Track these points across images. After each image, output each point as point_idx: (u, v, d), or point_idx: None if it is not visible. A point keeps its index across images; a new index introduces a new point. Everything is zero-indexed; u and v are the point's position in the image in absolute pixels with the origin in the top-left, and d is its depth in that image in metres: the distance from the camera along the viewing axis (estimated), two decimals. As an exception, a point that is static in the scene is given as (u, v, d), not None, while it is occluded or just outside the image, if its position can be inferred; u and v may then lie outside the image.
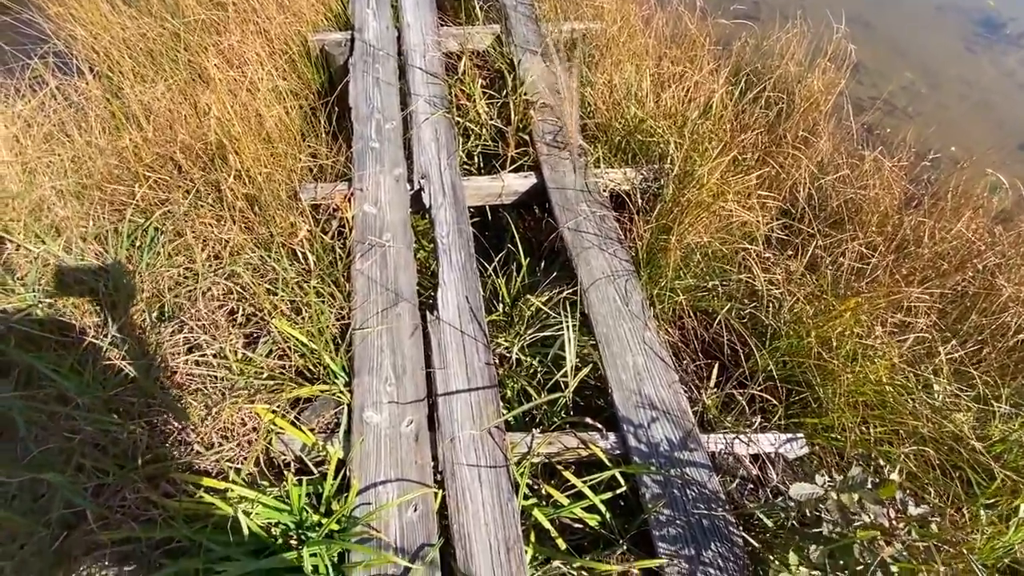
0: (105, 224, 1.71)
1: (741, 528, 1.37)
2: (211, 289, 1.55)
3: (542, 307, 1.81)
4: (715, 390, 1.68)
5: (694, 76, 2.47)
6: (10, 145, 2.24)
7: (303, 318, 1.64)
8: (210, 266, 1.70)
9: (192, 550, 1.18)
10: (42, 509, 1.24)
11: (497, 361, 1.73)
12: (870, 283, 1.84)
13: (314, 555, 1.19)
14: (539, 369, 1.74)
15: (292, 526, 1.26)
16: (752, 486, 1.48)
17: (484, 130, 2.38)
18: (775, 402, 1.63)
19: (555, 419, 1.62)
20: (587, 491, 1.38)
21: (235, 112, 2.13)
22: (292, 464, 1.47)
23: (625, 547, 1.38)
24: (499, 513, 1.36)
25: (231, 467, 1.28)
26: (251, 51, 2.48)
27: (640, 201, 2.04)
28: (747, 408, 1.63)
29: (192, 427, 1.31)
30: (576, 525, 1.48)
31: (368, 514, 1.30)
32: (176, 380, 1.37)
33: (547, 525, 1.40)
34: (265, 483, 1.36)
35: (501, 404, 1.56)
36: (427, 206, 2.03)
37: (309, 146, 2.30)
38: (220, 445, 1.32)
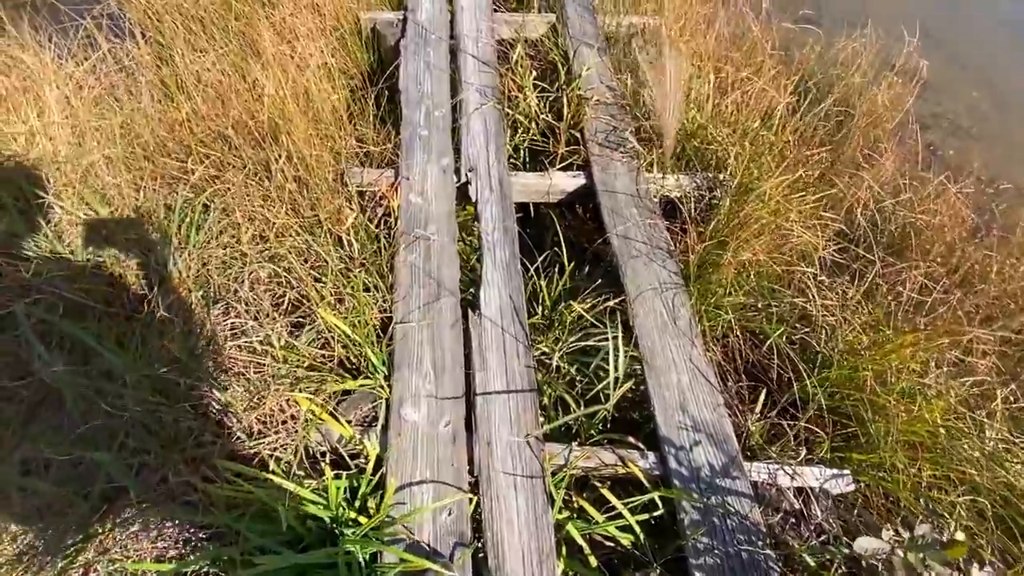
0: (156, 198, 1.70)
1: (781, 564, 1.33)
2: (257, 272, 1.54)
3: (584, 314, 1.77)
4: (760, 416, 1.63)
5: (757, 83, 2.37)
6: (61, 106, 2.25)
7: (346, 307, 1.62)
8: (256, 246, 1.68)
9: (230, 536, 1.18)
10: (83, 481, 1.25)
11: (536, 364, 1.70)
12: (930, 317, 1.76)
13: (348, 552, 1.18)
14: (578, 378, 1.71)
15: (328, 521, 1.25)
16: (794, 520, 1.44)
17: (534, 124, 2.32)
18: (822, 434, 1.57)
19: (592, 431, 1.59)
20: (626, 512, 1.35)
21: (288, 90, 2.10)
22: (327, 454, 1.46)
23: (659, 570, 1.35)
24: (534, 524, 1.34)
25: (271, 456, 1.28)
26: (303, 26, 2.44)
27: (693, 211, 1.97)
28: (792, 438, 1.57)
29: (235, 413, 1.30)
30: (607, 543, 1.46)
31: (404, 515, 1.29)
32: (221, 363, 1.36)
33: (580, 541, 1.37)
34: (301, 472, 1.35)
35: (539, 411, 1.53)
36: (473, 200, 1.98)
37: (356, 128, 2.27)
38: (261, 433, 1.32)
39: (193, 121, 1.91)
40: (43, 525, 1.15)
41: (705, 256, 1.83)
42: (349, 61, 2.62)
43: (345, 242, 1.72)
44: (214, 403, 1.29)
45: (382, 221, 1.91)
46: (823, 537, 1.39)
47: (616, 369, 1.56)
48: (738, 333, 1.82)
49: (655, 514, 1.40)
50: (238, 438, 1.29)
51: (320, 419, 1.41)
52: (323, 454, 1.45)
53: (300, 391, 1.43)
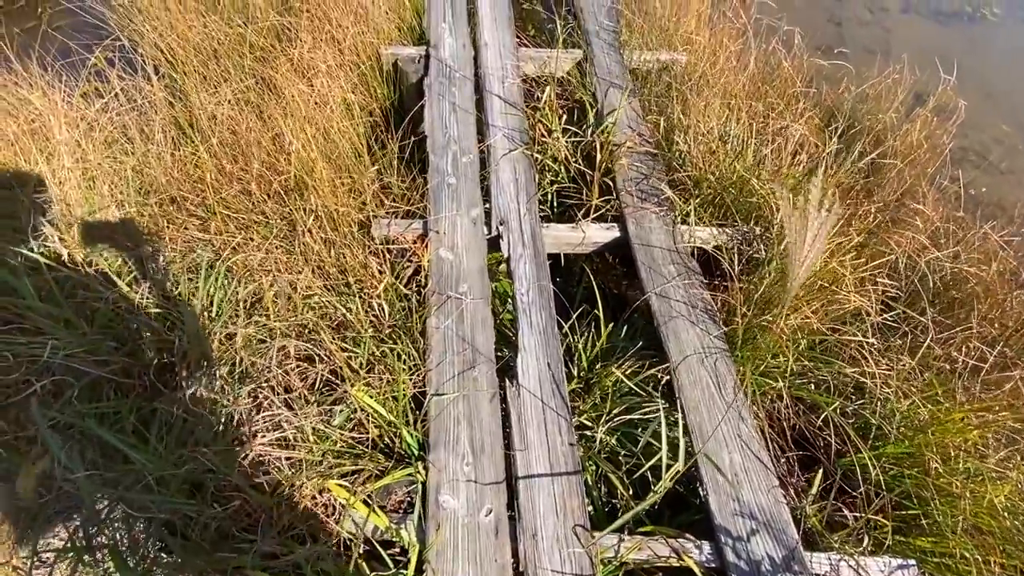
0: (174, 258, 1.61)
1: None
2: (285, 347, 1.45)
3: (625, 380, 1.68)
4: (815, 495, 1.55)
5: (793, 123, 2.30)
6: (72, 149, 2.16)
7: (378, 379, 1.53)
8: (282, 311, 1.59)
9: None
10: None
11: (577, 439, 1.61)
12: (988, 387, 1.68)
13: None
14: (622, 453, 1.62)
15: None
16: (860, 620, 1.35)
17: (563, 168, 2.24)
18: (883, 519, 1.49)
19: (641, 515, 1.50)
20: (685, 617, 1.27)
21: (308, 135, 2.02)
22: (360, 545, 1.37)
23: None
24: (585, 628, 1.25)
25: (307, 562, 1.19)
26: (321, 61, 2.36)
27: (735, 266, 1.89)
28: (851, 519, 1.49)
29: (267, 511, 1.21)
30: (661, 641, 1.37)
31: (449, 625, 1.20)
32: (251, 455, 1.27)
33: (634, 644, 1.29)
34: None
35: (585, 496, 1.44)
36: (506, 257, 1.90)
37: (379, 171, 2.18)
38: (294, 527, 1.23)
39: (214, 176, 1.82)
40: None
41: (751, 320, 1.75)
42: (369, 97, 2.54)
43: (375, 305, 1.63)
44: (246, 501, 1.20)
45: (412, 279, 1.82)
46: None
47: (666, 453, 1.47)
48: (787, 399, 1.73)
49: (713, 613, 1.31)
50: (272, 536, 1.20)
51: (355, 509, 1.32)
52: (354, 541, 1.35)
53: (333, 478, 1.34)
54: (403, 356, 1.60)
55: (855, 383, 1.68)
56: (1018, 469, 1.52)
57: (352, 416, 1.43)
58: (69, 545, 1.12)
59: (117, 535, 1.19)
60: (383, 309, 1.66)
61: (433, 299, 1.75)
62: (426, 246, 1.86)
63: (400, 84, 2.59)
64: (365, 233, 1.93)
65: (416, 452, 1.51)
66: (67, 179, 2.08)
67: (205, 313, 1.48)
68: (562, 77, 2.63)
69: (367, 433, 1.43)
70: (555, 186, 2.25)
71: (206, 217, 1.71)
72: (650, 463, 1.51)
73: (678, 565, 1.39)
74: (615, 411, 1.65)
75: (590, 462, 1.60)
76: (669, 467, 1.48)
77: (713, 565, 1.38)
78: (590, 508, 1.53)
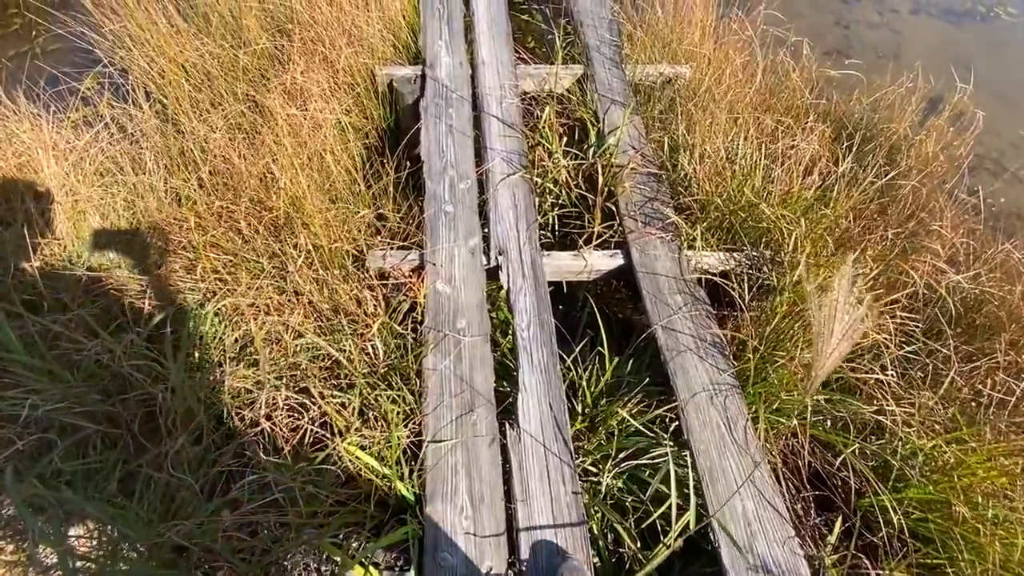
0: (160, 303, 1.56)
1: None
2: (275, 398, 1.39)
3: (631, 420, 1.61)
4: (835, 546, 1.47)
5: (803, 140, 2.21)
6: (61, 182, 2.11)
7: (372, 427, 1.46)
8: (272, 354, 1.53)
9: None
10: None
11: (582, 487, 1.54)
12: (1017, 422, 1.59)
13: None
14: (629, 498, 1.55)
15: None
16: None
17: (564, 191, 2.16)
18: (906, 574, 1.40)
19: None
20: None
21: (300, 165, 1.96)
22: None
23: None
24: None
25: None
26: (315, 84, 2.30)
27: (745, 294, 1.81)
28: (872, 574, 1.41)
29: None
30: None
31: None
32: (239, 518, 1.21)
33: None
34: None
35: (591, 548, 1.37)
36: (505, 288, 1.83)
37: (375, 199, 2.12)
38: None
39: (200, 215, 1.76)
40: None
41: (764, 354, 1.67)
42: (365, 119, 2.48)
43: (370, 346, 1.57)
44: (232, 569, 1.14)
45: (408, 315, 1.76)
46: None
47: (676, 502, 1.40)
48: (800, 437, 1.65)
49: None
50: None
51: (349, 568, 1.25)
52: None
53: (325, 537, 1.28)
54: (398, 400, 1.53)
55: (874, 421, 1.59)
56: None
57: (343, 473, 1.37)
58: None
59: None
60: (377, 350, 1.59)
61: (430, 336, 1.69)
62: (422, 280, 1.80)
63: (396, 105, 2.53)
64: (360, 266, 1.87)
65: (412, 504, 1.45)
66: (56, 214, 2.04)
67: (192, 361, 1.43)
68: (562, 93, 2.55)
69: (359, 487, 1.37)
70: (556, 210, 2.17)
71: (193, 258, 1.65)
72: (659, 511, 1.44)
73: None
74: (622, 454, 1.58)
75: (595, 510, 1.53)
76: (680, 513, 1.40)
77: (727, 625, 1.30)
78: (596, 560, 1.47)
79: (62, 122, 2.24)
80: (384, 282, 1.81)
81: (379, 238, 2.00)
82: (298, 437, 1.36)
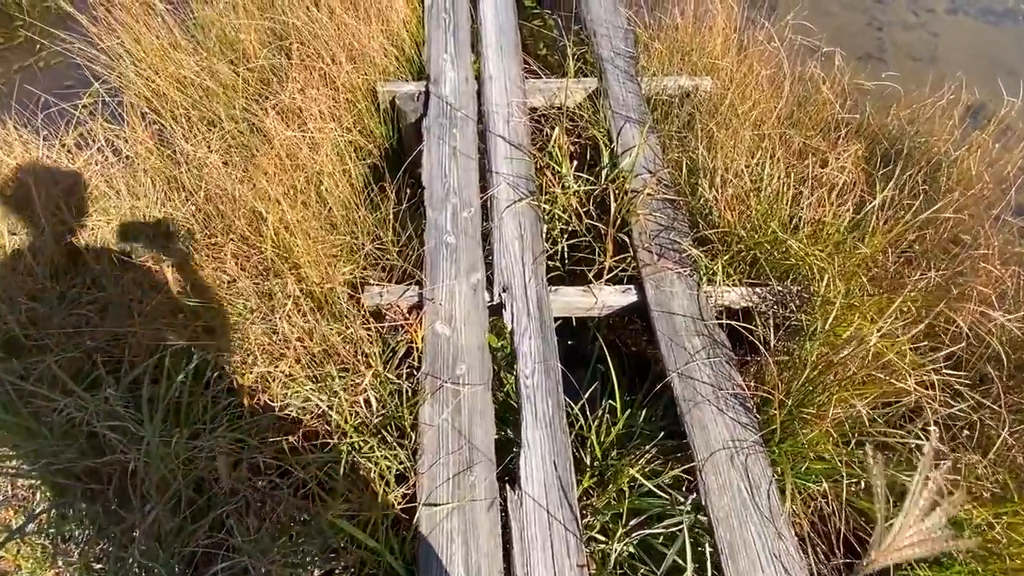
0: (139, 353, 1.47)
1: None
2: (257, 459, 1.29)
3: (643, 481, 1.48)
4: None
5: (834, 161, 2.05)
6: (51, 213, 2.04)
7: (362, 490, 1.36)
8: (259, 405, 1.43)
9: None
10: None
11: (589, 558, 1.41)
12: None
13: None
14: (641, 569, 1.42)
15: None
16: None
17: (574, 218, 2.03)
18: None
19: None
20: None
21: (294, 194, 1.86)
22: None
23: None
24: None
25: None
26: (313, 102, 2.19)
27: (771, 337, 1.66)
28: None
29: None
30: None
31: None
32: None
33: None
34: None
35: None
36: (508, 329, 1.71)
37: (375, 223, 2.01)
38: None
39: (194, 250, 1.66)
40: None
41: (791, 409, 1.52)
42: (367, 138, 2.37)
43: (362, 399, 1.46)
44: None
45: (405, 359, 1.65)
46: None
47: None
48: (832, 503, 1.51)
49: None
50: None
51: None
52: None
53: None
54: (391, 459, 1.42)
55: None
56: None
57: (328, 547, 1.26)
58: None
59: None
60: (370, 401, 1.49)
61: (427, 384, 1.57)
62: (420, 320, 1.68)
63: (399, 122, 2.41)
64: (356, 302, 1.76)
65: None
66: (46, 243, 1.97)
67: (170, 419, 1.34)
68: (574, 108, 2.41)
69: (347, 561, 1.27)
70: (566, 238, 2.04)
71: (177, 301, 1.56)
72: (673, 589, 1.32)
73: None
74: (632, 520, 1.45)
75: (604, 582, 1.41)
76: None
77: None
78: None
79: (55, 148, 2.17)
80: (381, 324, 1.70)
81: (377, 270, 1.89)
82: (281, 510, 1.26)
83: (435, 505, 1.38)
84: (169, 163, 2.24)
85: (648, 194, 1.97)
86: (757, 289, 1.82)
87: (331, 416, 1.44)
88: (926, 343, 1.55)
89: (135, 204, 2.11)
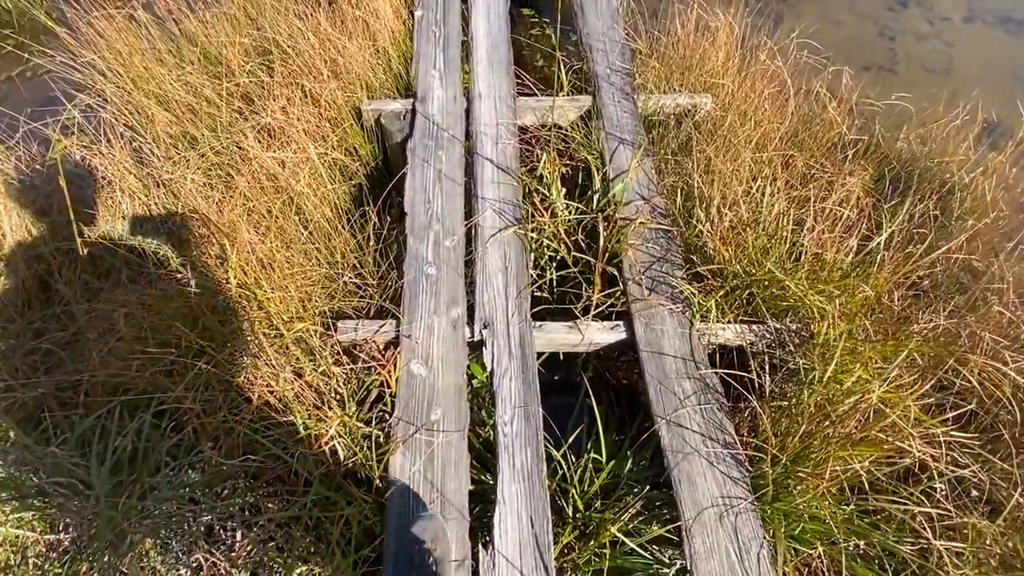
0: (92, 400, 1.39)
1: None
2: (210, 524, 1.21)
3: (626, 541, 1.39)
4: None
5: (839, 185, 1.94)
6: (24, 234, 1.98)
7: (322, 552, 1.28)
8: (216, 456, 1.36)
9: None
10: None
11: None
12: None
13: None
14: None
15: None
16: None
17: (562, 246, 1.93)
18: None
19: None
20: None
21: (268, 227, 1.78)
22: None
23: None
24: None
25: None
26: (297, 120, 2.11)
27: (766, 381, 1.56)
28: None
29: None
30: None
31: None
32: None
33: None
34: None
35: None
36: (487, 370, 1.62)
37: (354, 248, 1.92)
38: None
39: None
40: None
41: (786, 465, 1.42)
42: (352, 158, 2.29)
43: (328, 452, 1.39)
44: None
45: (376, 401, 1.57)
46: None
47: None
48: (827, 566, 1.41)
49: None
50: None
51: None
52: None
53: None
54: (356, 516, 1.34)
55: (918, 557, 1.34)
56: None
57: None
58: None
59: None
60: (336, 452, 1.41)
61: (399, 430, 1.49)
62: (396, 359, 1.60)
63: (385, 141, 2.33)
64: (330, 335, 1.68)
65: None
66: (17, 273, 1.91)
67: (122, 476, 1.26)
68: (567, 127, 2.31)
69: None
70: (554, 266, 1.95)
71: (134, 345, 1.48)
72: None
73: None
74: (613, 581, 1.36)
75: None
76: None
77: None
78: None
79: (29, 170, 2.11)
80: (355, 363, 1.62)
81: (355, 299, 1.81)
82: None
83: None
84: (148, 182, 2.18)
85: (640, 223, 1.88)
86: (753, 327, 1.72)
87: (294, 466, 1.36)
88: (932, 399, 1.44)
89: (111, 227, 2.04)
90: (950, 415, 1.43)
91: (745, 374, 1.56)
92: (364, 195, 2.28)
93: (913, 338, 1.49)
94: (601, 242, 1.78)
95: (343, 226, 2.00)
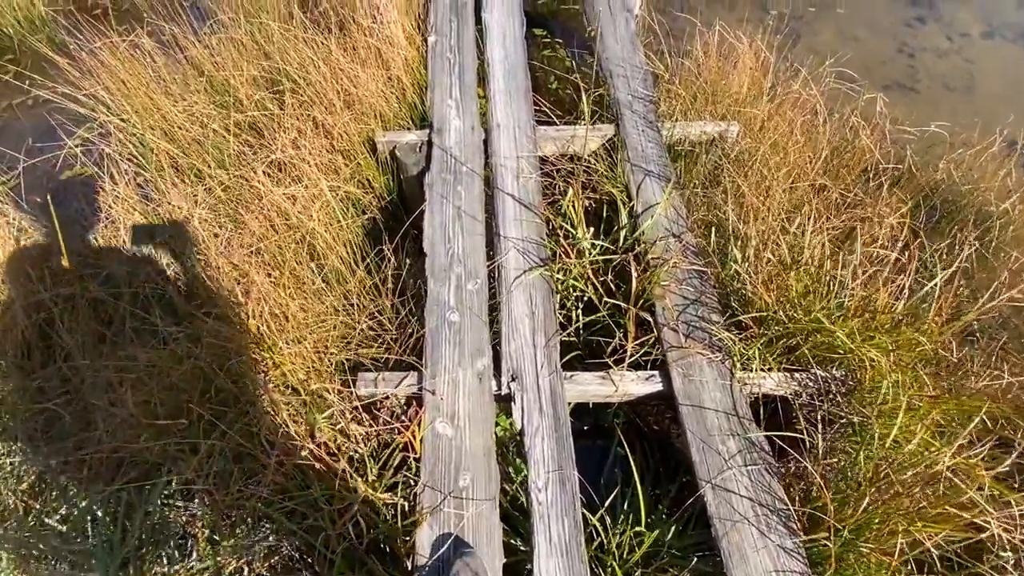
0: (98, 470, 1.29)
1: None
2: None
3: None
4: None
5: (875, 220, 1.85)
6: (25, 290, 1.89)
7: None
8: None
9: None
10: None
11: None
12: None
13: None
14: None
15: None
16: None
17: (590, 287, 1.83)
18: None
19: None
20: None
21: (280, 273, 1.69)
22: None
23: None
24: None
25: None
26: (309, 153, 2.02)
27: (818, 441, 1.45)
28: None
29: None
30: None
31: None
32: None
33: None
34: None
35: None
36: (518, 428, 1.52)
37: (372, 290, 1.83)
38: None
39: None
40: None
41: (845, 536, 1.32)
42: (366, 190, 2.20)
43: (350, 528, 1.28)
44: None
45: (403, 466, 1.46)
46: None
47: None
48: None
49: None
50: None
51: None
52: None
53: None
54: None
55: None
56: None
57: None
58: None
59: None
60: (359, 523, 1.30)
61: (426, 498, 1.38)
62: (420, 416, 1.50)
63: (401, 174, 2.24)
64: (349, 387, 1.58)
65: None
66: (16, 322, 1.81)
67: (128, 550, 1.16)
68: (589, 157, 2.22)
69: None
70: (581, 308, 1.85)
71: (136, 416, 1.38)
72: None
73: None
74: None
75: None
76: None
77: None
78: None
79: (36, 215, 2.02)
80: (374, 423, 1.52)
81: (374, 347, 1.71)
82: None
83: (433, 656, 1.20)
84: (153, 218, 2.09)
85: (673, 264, 1.78)
86: (795, 375, 1.62)
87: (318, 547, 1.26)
88: (1006, 467, 1.33)
89: (115, 269, 1.95)
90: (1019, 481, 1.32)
91: (795, 434, 1.46)
92: (379, 228, 2.19)
93: (978, 397, 1.39)
94: (634, 286, 1.69)
95: (358, 265, 1.90)
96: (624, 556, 1.45)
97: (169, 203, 1.99)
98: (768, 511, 1.39)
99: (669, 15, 3.67)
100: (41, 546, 1.21)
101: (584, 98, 2.23)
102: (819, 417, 1.54)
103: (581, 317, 1.82)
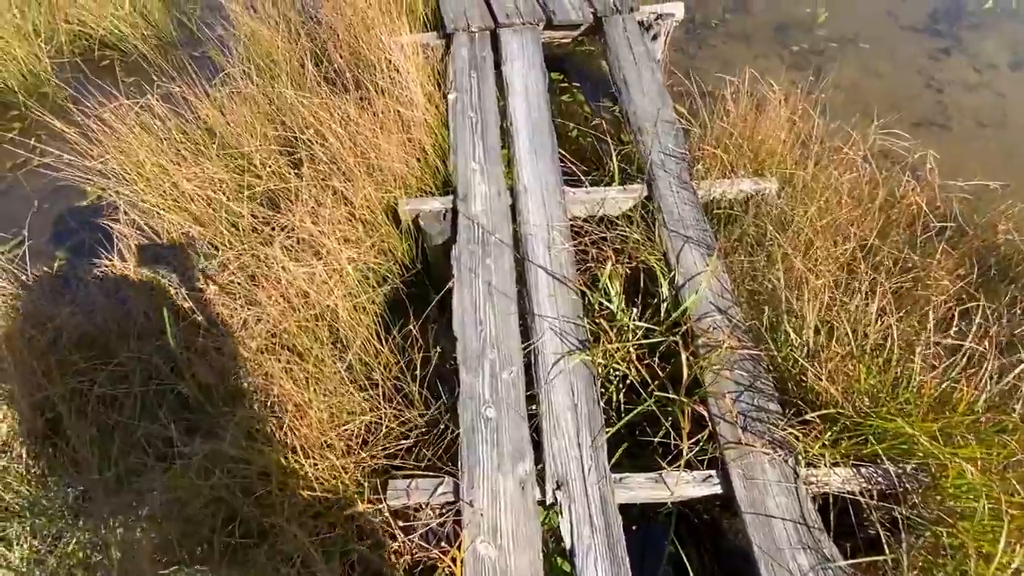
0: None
1: None
2: None
3: None
4: None
5: (934, 287, 1.73)
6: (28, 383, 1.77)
7: None
8: None
9: None
10: None
11: None
12: None
13: None
14: None
15: None
16: None
17: (632, 369, 1.71)
18: None
19: None
20: None
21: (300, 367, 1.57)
22: None
23: None
24: None
25: None
26: (327, 224, 1.92)
27: (904, 558, 1.32)
28: None
29: None
30: None
31: None
32: None
33: None
34: None
35: None
36: (567, 547, 1.38)
37: (396, 380, 1.71)
38: None
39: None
40: None
41: None
42: (388, 259, 2.09)
43: None
44: None
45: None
46: None
47: None
48: None
49: None
50: None
51: None
52: None
53: None
54: None
55: None
56: None
57: None
58: None
59: None
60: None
61: (471, 634, 1.25)
62: (459, 537, 1.37)
63: (425, 243, 2.13)
64: (378, 492, 1.45)
65: None
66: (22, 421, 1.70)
67: None
68: (618, 216, 2.11)
69: None
70: (624, 392, 1.72)
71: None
72: None
73: None
74: None
75: None
76: None
77: None
78: None
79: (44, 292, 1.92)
80: (406, 536, 1.39)
81: (402, 453, 1.59)
82: None
83: None
84: (164, 299, 1.98)
85: (729, 347, 1.65)
86: (862, 470, 1.49)
87: None
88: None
89: (125, 354, 1.84)
90: None
91: (873, 554, 1.32)
92: (402, 300, 2.07)
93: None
94: (684, 376, 1.56)
95: (383, 343, 1.78)
96: None
97: (179, 286, 1.88)
98: (852, 644, 1.25)
99: (687, 54, 3.61)
100: None
101: (613, 158, 2.13)
102: (897, 520, 1.40)
103: (623, 405, 1.69)
